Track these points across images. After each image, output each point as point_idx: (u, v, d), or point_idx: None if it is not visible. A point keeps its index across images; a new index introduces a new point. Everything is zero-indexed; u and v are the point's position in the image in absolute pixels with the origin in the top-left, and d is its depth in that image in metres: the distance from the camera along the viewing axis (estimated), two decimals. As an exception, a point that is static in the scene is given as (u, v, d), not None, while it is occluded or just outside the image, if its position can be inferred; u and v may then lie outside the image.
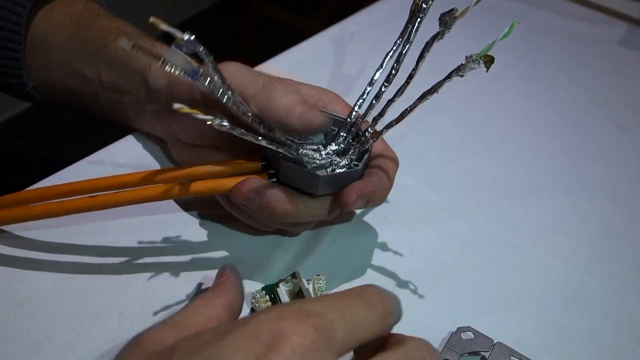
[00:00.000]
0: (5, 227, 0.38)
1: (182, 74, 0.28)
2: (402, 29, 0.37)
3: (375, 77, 0.38)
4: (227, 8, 2.05)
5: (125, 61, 0.42)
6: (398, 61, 0.37)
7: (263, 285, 0.37)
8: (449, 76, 0.32)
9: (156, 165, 0.45)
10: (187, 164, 0.40)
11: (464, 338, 0.37)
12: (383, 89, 0.37)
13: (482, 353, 0.37)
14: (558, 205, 0.50)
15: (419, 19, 0.36)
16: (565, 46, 0.70)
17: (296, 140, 0.36)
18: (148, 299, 0.36)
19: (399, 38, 0.37)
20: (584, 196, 0.51)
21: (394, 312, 0.26)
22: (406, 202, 0.47)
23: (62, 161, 0.44)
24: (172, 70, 0.28)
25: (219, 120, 0.28)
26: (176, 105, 0.26)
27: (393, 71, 0.37)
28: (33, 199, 0.35)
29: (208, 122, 0.27)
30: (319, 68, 0.59)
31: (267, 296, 0.35)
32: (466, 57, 0.31)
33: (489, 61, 0.30)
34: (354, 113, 0.38)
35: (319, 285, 0.36)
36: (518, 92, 0.63)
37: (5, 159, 0.76)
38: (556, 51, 0.69)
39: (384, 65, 0.38)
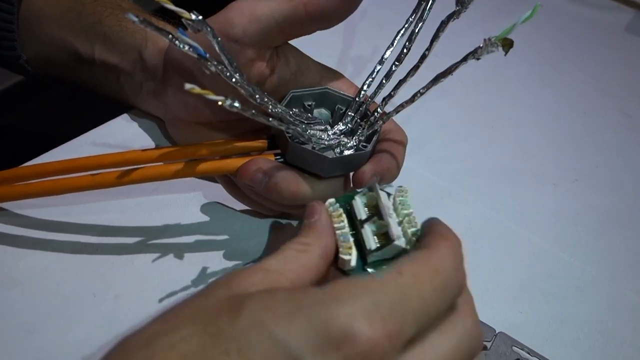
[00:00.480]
0: (1, 205, 0.37)
1: (191, 51, 0.27)
2: (414, 6, 0.36)
3: (386, 56, 0.37)
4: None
5: (119, 37, 0.41)
6: (410, 40, 0.36)
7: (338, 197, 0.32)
8: (464, 59, 0.31)
9: (154, 145, 0.44)
10: (185, 144, 0.39)
11: (466, 327, 0.37)
12: (394, 68, 0.36)
13: (483, 343, 0.37)
14: (562, 194, 0.49)
15: None
16: (572, 32, 0.69)
17: (304, 120, 0.35)
18: (145, 282, 0.36)
19: (411, 15, 0.36)
20: (589, 185, 0.51)
21: (464, 275, 0.26)
22: (411, 187, 0.46)
23: (59, 137, 0.43)
24: (182, 47, 0.27)
25: (230, 101, 0.27)
26: (187, 86, 0.25)
27: (405, 50, 0.36)
28: (30, 175, 0.33)
29: (219, 103, 0.26)
30: (327, 47, 0.58)
31: (341, 209, 0.31)
32: (484, 39, 0.30)
33: (507, 45, 0.29)
34: (362, 92, 0.37)
35: (402, 199, 0.31)
36: (524, 77, 0.62)
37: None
38: (563, 37, 0.68)
39: (394, 44, 0.37)
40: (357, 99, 0.37)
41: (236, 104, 0.27)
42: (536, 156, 0.52)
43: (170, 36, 0.27)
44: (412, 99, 0.34)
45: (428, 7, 0.35)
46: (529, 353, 0.36)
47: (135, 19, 0.25)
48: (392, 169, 0.35)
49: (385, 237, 0.29)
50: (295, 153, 0.34)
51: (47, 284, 0.34)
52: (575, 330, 0.40)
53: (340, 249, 0.29)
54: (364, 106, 0.37)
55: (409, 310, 0.23)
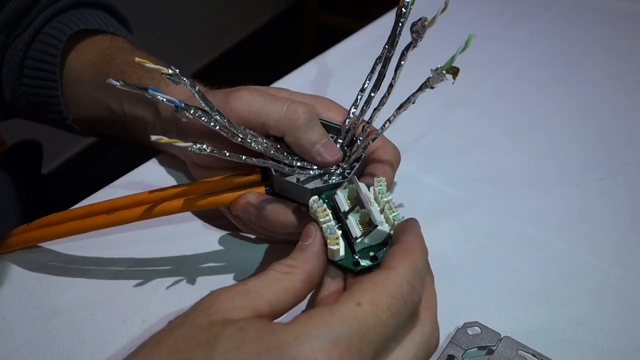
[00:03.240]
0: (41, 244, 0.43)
1: (168, 103, 0.31)
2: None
3: (366, 85, 0.39)
4: (286, 19, 2.11)
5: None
6: (384, 66, 0.38)
7: (319, 194, 0.35)
8: (420, 88, 0.33)
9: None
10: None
11: (470, 333, 0.38)
12: (372, 95, 0.38)
13: (489, 347, 0.37)
14: (586, 194, 0.49)
15: (400, 23, 0.37)
16: (606, 27, 0.67)
17: (290, 151, 0.38)
18: (168, 306, 0.39)
19: (386, 43, 0.38)
20: (616, 183, 0.49)
21: (420, 294, 0.28)
22: (424, 200, 0.47)
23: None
24: (159, 99, 0.30)
25: (199, 146, 0.30)
26: (154, 137, 0.28)
27: (380, 76, 0.38)
28: (62, 219, 0.39)
29: (189, 149, 0.29)
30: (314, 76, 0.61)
31: (325, 204, 0.34)
32: (431, 70, 0.32)
33: (455, 73, 0.31)
34: (347, 120, 0.39)
35: (380, 188, 0.34)
36: (553, 78, 0.61)
37: (86, 183, 0.83)
38: (598, 32, 0.67)
39: (374, 71, 0.39)
40: (343, 125, 0.39)
41: (205, 147, 0.30)
42: (558, 158, 0.52)
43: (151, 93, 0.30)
44: (382, 129, 0.36)
45: (398, 34, 0.37)
46: (534, 356, 0.37)
47: (116, 83, 0.29)
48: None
49: (368, 224, 0.32)
50: (280, 185, 0.36)
51: (83, 313, 0.39)
52: (594, 332, 0.39)
53: (328, 241, 0.31)
54: (349, 133, 0.39)
55: (366, 340, 0.25)
